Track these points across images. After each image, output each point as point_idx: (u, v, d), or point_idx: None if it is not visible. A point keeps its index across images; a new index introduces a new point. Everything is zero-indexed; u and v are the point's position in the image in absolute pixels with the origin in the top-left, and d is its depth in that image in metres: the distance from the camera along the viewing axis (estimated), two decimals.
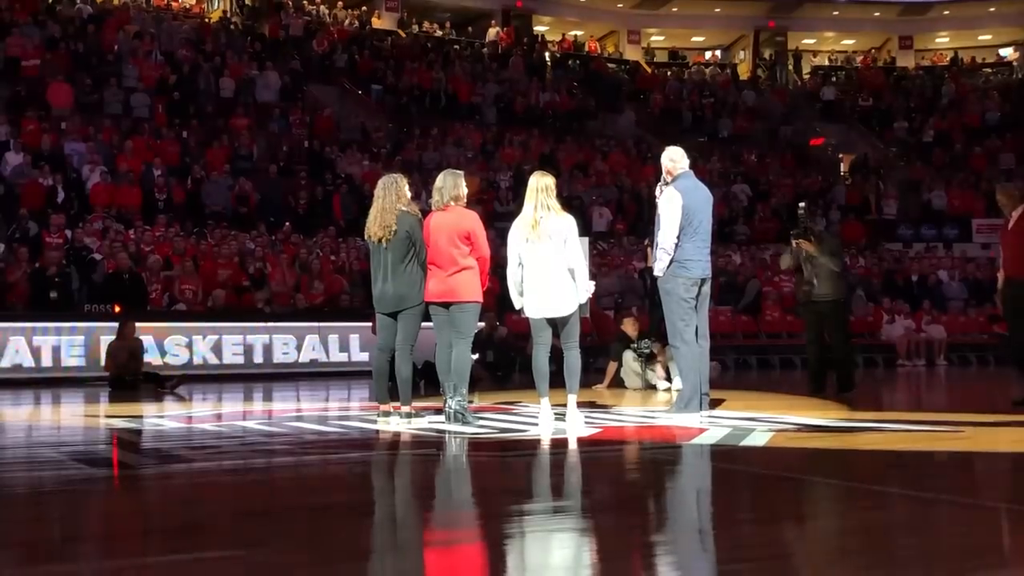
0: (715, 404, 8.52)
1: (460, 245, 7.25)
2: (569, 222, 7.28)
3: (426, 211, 7.73)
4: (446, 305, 7.34)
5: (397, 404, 7.64)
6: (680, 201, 7.72)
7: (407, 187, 7.64)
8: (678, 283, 7.75)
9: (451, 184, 7.39)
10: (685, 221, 7.70)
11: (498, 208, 21.05)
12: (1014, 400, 8.66)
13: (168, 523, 4.17)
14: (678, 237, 7.71)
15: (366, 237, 7.70)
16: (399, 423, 7.45)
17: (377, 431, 7.41)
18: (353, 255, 18.20)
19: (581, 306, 7.36)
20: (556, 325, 7.37)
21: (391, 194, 7.48)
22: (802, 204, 11.09)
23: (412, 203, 7.63)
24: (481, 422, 7.40)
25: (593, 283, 7.57)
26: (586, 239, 7.62)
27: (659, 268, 7.86)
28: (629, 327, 12.34)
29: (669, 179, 7.95)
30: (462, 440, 6.71)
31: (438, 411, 7.83)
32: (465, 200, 7.47)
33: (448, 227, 7.28)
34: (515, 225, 7.36)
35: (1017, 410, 8.20)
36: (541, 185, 7.27)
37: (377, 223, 7.45)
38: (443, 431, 7.11)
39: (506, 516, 4.20)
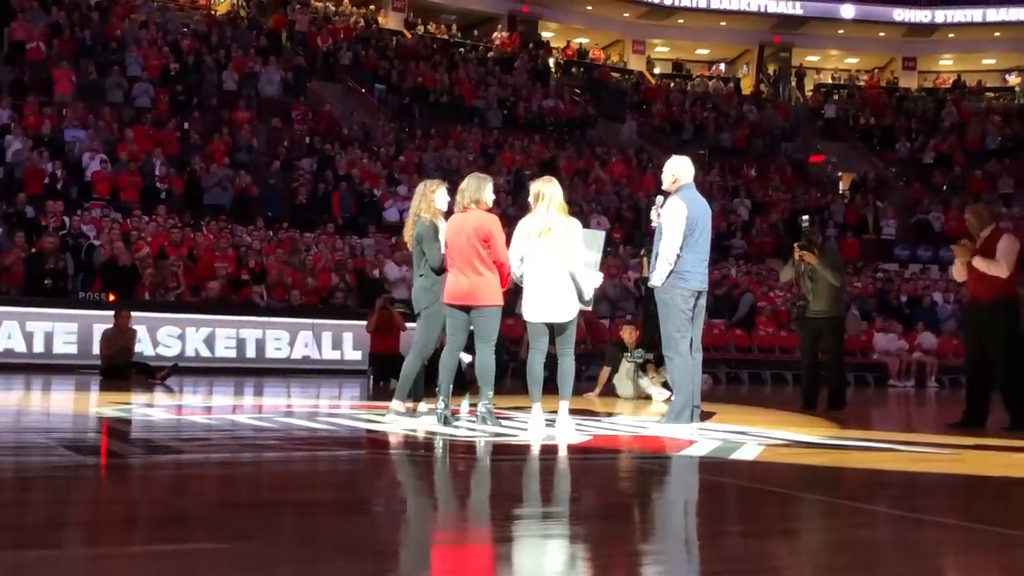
0: (706, 417, 8.51)
1: (480, 248, 7.23)
2: (574, 226, 7.29)
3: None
4: (465, 308, 7.33)
5: (431, 404, 7.74)
6: (685, 211, 7.70)
7: (439, 192, 7.77)
8: (676, 294, 7.74)
9: (474, 187, 7.38)
10: (688, 231, 7.69)
11: (495, 212, 21.02)
12: (949, 424, 8.80)
13: (154, 513, 4.16)
14: (680, 247, 7.71)
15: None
16: (407, 421, 7.50)
17: (367, 429, 7.41)
18: (349, 252, 18.22)
19: (585, 300, 7.36)
20: (553, 330, 7.36)
21: (418, 200, 7.78)
22: (805, 217, 11.08)
23: (438, 209, 7.74)
24: (477, 426, 7.38)
25: (601, 274, 7.56)
26: (602, 232, 7.61)
27: (658, 278, 7.82)
28: (627, 335, 12.34)
29: (672, 189, 7.94)
30: (451, 443, 6.70)
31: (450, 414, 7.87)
32: (488, 205, 7.46)
33: (468, 229, 7.26)
34: (521, 225, 7.34)
35: (1007, 434, 8.22)
36: (548, 189, 7.27)
37: (406, 228, 7.85)
38: (439, 433, 7.09)
39: (493, 520, 4.19)
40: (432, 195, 7.73)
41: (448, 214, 7.74)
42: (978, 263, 8.65)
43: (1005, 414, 8.75)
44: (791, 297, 17.92)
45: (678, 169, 7.99)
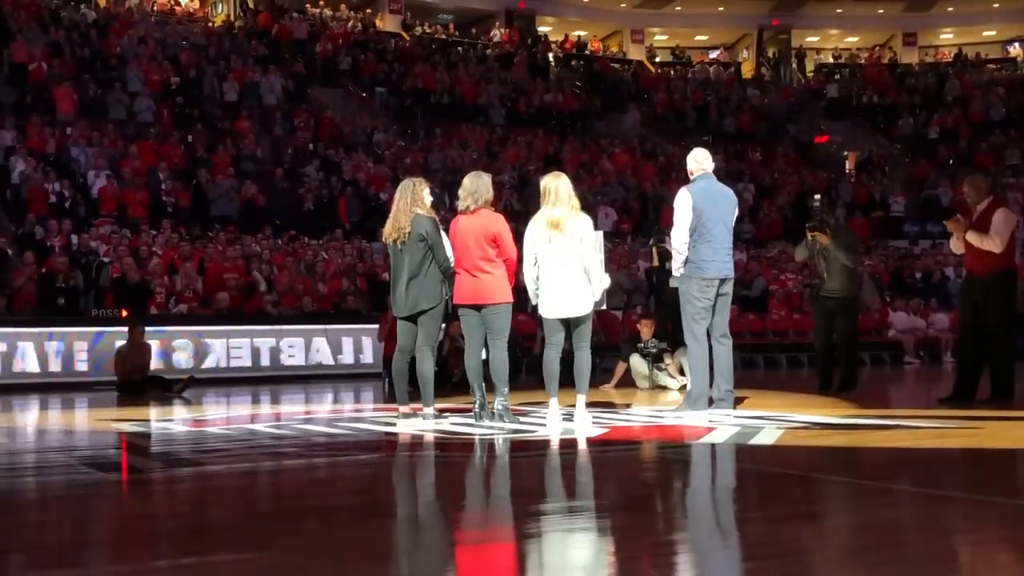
0: (738, 402, 8.42)
1: (487, 248, 7.28)
2: (586, 222, 7.29)
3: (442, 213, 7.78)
4: (476, 307, 7.36)
5: (417, 406, 7.66)
6: (689, 202, 7.80)
7: (426, 191, 7.68)
8: (692, 283, 7.83)
9: (483, 188, 7.41)
10: (697, 222, 7.75)
11: (501, 209, 21.03)
12: (939, 399, 8.78)
13: (178, 526, 4.17)
14: (691, 237, 7.77)
15: (383, 240, 7.78)
16: (422, 424, 7.45)
17: (386, 433, 7.41)
18: (358, 256, 18.24)
19: (596, 301, 7.37)
20: (569, 325, 7.36)
21: (407, 197, 7.55)
22: (817, 196, 11.01)
23: (430, 207, 7.66)
24: (494, 423, 7.38)
25: (608, 275, 7.58)
26: (601, 232, 7.72)
27: (675, 268, 7.96)
28: (645, 330, 12.29)
29: (691, 179, 8.08)
30: (472, 442, 6.71)
31: (457, 412, 7.85)
32: (491, 203, 7.48)
33: (476, 230, 7.31)
34: (532, 224, 7.34)
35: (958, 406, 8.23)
36: (559, 185, 7.26)
37: (391, 225, 7.53)
38: (457, 433, 7.10)
39: (518, 517, 4.19)
40: (420, 192, 7.66)
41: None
42: (972, 238, 8.58)
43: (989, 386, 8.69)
44: (804, 278, 17.87)
45: (691, 161, 8.18)
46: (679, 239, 7.82)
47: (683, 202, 7.84)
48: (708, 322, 7.87)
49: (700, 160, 8.08)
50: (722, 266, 7.89)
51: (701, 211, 7.77)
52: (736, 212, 8.17)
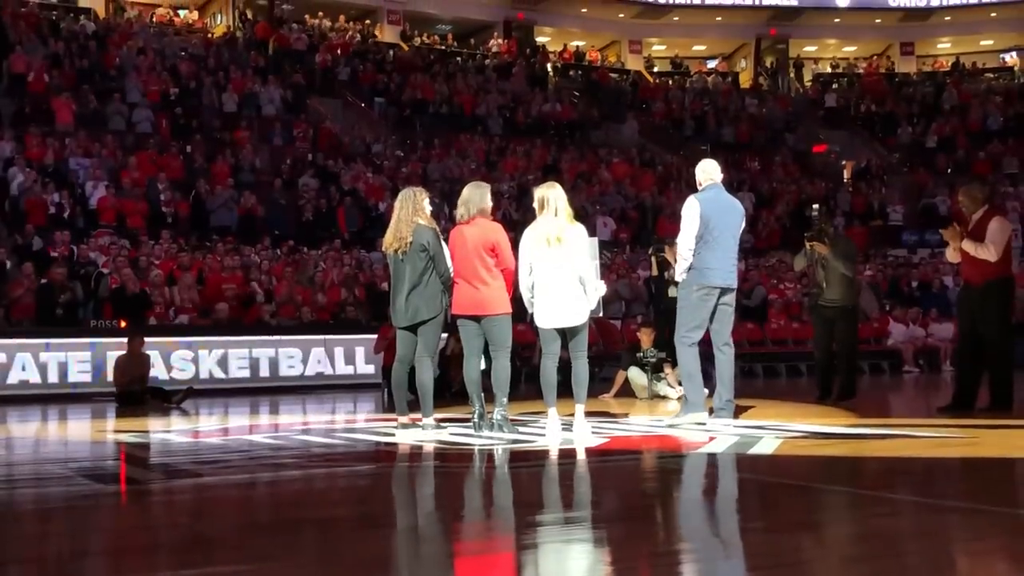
0: (739, 412, 8.41)
1: (486, 257, 7.28)
2: (580, 231, 7.30)
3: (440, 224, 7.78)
4: (476, 318, 7.36)
5: (416, 416, 7.65)
6: (698, 209, 7.83)
7: (426, 201, 7.69)
8: (692, 289, 7.85)
9: (478, 197, 7.42)
10: (703, 229, 7.78)
11: (499, 218, 21.05)
12: (938, 408, 8.78)
13: (177, 538, 4.17)
14: (696, 244, 7.80)
15: (383, 250, 7.78)
16: (421, 434, 7.44)
17: (384, 443, 7.40)
18: (356, 266, 18.24)
19: (592, 309, 7.37)
20: (565, 335, 7.36)
21: (408, 207, 7.55)
22: (815, 205, 11.06)
23: (431, 217, 7.67)
24: (494, 433, 7.37)
25: (603, 282, 7.59)
26: (596, 239, 7.75)
27: (678, 273, 8.01)
28: (644, 338, 12.27)
29: (699, 189, 8.12)
30: (471, 452, 6.70)
31: (456, 421, 7.84)
32: (490, 212, 7.49)
33: (474, 240, 7.31)
34: (528, 234, 7.34)
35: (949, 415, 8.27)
36: (553, 195, 7.27)
37: (392, 235, 7.52)
38: (456, 443, 7.09)
39: (518, 527, 4.19)
40: (421, 201, 7.66)
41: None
42: (967, 247, 8.58)
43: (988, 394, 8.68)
44: (803, 288, 17.87)
45: (699, 171, 8.22)
46: (685, 246, 7.85)
47: (691, 210, 7.86)
48: (702, 331, 7.89)
49: (709, 171, 8.13)
50: (726, 275, 7.90)
51: (709, 219, 7.80)
52: (743, 224, 8.23)
